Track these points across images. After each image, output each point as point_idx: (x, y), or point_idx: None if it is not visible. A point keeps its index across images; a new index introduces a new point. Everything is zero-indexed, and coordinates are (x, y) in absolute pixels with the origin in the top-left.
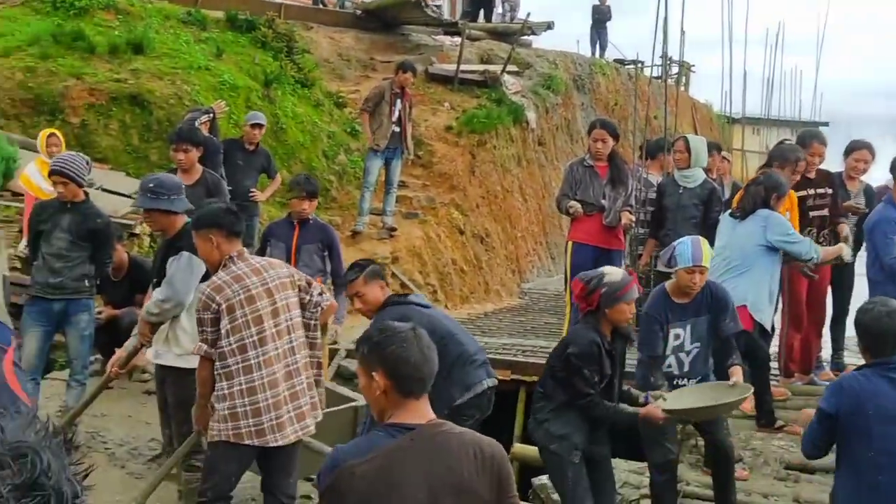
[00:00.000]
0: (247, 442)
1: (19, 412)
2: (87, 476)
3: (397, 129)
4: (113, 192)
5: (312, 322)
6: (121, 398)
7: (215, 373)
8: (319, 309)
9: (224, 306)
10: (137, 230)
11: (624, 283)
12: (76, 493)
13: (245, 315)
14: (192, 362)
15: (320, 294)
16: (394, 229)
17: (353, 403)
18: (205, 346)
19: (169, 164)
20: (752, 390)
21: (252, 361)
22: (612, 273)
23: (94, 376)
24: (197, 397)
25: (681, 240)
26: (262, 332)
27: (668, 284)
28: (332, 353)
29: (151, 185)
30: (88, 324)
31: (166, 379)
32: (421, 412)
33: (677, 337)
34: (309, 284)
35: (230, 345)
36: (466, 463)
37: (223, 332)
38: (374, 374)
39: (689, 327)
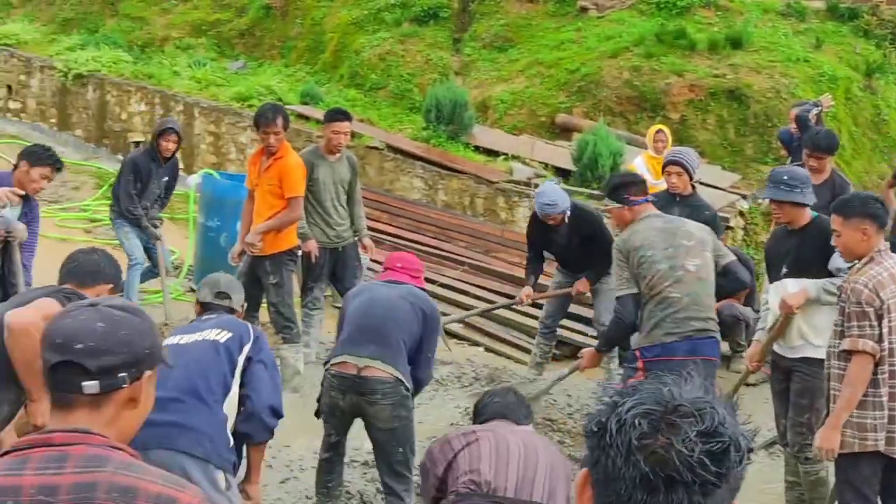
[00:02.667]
0: (876, 449)
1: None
2: (755, 436)
3: None
4: (710, 186)
5: None
6: None
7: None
8: None
9: (885, 305)
10: (732, 223)
11: None
12: (749, 447)
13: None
14: (823, 352)
15: None
16: None
17: None
18: (871, 343)
19: (763, 157)
20: None
21: (893, 368)
22: None
23: None
24: (844, 401)
25: None
26: None
27: None
28: None
29: (785, 177)
30: None
31: (794, 370)
32: None
33: None
34: None
35: (883, 349)
36: None
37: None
38: None
39: None
